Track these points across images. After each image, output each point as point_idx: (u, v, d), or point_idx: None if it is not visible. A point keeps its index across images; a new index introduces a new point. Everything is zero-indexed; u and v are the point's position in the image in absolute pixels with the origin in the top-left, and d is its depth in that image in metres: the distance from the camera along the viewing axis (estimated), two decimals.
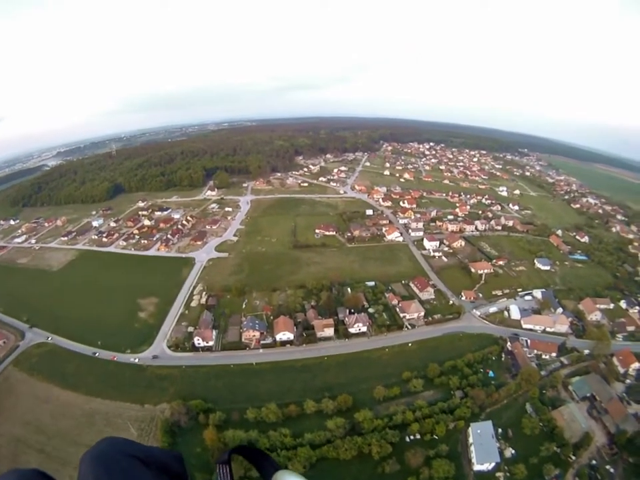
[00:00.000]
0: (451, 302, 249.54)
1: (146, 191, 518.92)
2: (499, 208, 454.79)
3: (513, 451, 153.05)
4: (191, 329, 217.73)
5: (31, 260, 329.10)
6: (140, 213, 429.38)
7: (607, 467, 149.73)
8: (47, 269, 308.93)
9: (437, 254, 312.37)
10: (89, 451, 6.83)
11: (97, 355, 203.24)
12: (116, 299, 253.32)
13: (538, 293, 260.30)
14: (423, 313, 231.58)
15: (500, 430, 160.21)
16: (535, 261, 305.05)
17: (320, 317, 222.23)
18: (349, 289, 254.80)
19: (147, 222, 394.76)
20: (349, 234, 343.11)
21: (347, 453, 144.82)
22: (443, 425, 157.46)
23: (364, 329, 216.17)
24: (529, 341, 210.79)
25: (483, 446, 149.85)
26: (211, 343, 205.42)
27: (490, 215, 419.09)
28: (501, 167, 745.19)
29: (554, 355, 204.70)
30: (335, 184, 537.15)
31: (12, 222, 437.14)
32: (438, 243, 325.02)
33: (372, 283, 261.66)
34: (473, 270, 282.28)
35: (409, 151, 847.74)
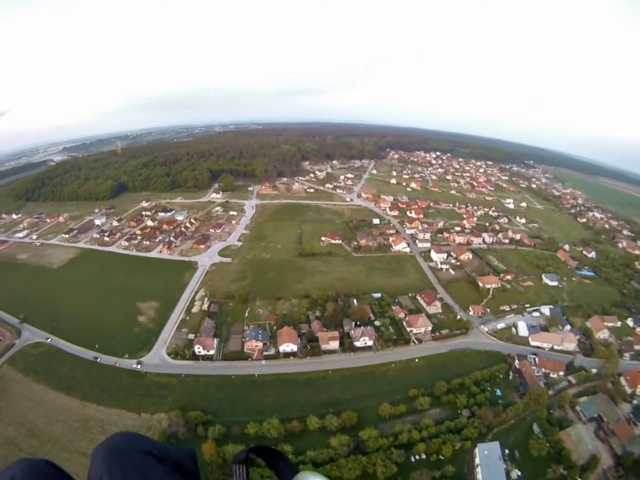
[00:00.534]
0: (459, 317, 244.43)
1: (150, 191, 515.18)
2: (506, 220, 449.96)
3: (520, 473, 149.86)
4: (191, 336, 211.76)
5: (31, 256, 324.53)
6: (143, 213, 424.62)
7: None
8: (47, 266, 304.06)
9: (444, 266, 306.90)
10: (101, 444, 6.96)
11: (99, 360, 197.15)
12: (115, 301, 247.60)
13: (546, 310, 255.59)
14: (430, 328, 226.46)
15: (507, 451, 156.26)
16: (543, 276, 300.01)
17: (325, 329, 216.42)
18: (354, 300, 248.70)
19: (150, 223, 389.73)
20: (356, 243, 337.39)
21: (350, 472, 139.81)
22: (449, 445, 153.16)
23: (370, 342, 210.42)
24: (537, 359, 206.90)
25: (489, 467, 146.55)
26: (212, 352, 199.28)
27: (497, 227, 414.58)
28: (507, 178, 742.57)
29: (562, 373, 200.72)
30: (341, 191, 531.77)
31: (14, 216, 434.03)
32: (445, 255, 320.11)
33: (378, 295, 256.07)
34: (480, 284, 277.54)
35: (416, 159, 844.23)
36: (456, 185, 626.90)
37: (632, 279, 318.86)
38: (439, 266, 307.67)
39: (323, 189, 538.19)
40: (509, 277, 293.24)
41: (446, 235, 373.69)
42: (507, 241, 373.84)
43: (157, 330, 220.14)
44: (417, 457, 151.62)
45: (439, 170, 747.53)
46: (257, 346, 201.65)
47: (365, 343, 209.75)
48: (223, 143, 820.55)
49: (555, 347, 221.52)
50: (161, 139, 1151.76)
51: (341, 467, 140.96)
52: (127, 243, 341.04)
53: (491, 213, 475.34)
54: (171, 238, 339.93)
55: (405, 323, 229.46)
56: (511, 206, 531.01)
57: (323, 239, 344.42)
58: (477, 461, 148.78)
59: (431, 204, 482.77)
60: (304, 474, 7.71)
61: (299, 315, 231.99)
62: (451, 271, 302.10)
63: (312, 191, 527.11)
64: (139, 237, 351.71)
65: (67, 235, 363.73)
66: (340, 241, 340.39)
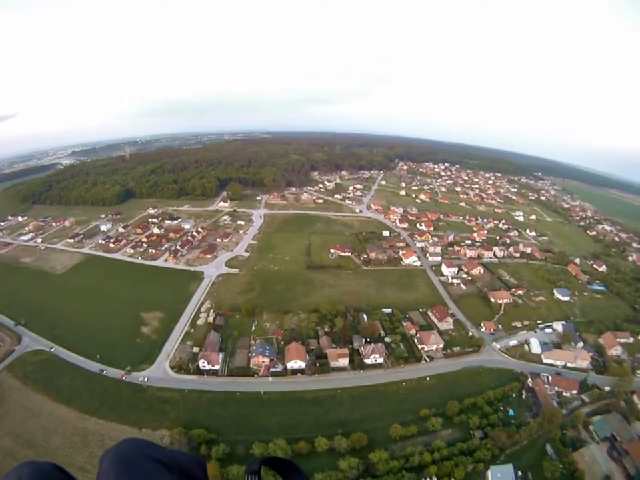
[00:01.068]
0: (470, 333, 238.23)
1: (157, 198, 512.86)
2: (516, 233, 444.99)
3: None
4: (196, 349, 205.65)
5: (35, 260, 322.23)
6: (150, 220, 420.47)
7: None
8: (50, 271, 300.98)
9: (455, 281, 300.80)
10: (110, 450, 7.04)
11: (105, 372, 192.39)
12: (119, 311, 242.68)
13: (558, 326, 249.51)
14: (441, 345, 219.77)
15: (520, 473, 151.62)
16: (554, 291, 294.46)
17: (334, 345, 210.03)
18: (364, 316, 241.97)
19: (156, 230, 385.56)
20: (365, 256, 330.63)
21: None
22: (462, 467, 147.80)
23: (380, 360, 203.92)
24: (550, 378, 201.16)
25: None
26: (217, 367, 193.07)
27: (508, 240, 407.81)
28: (516, 190, 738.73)
29: (575, 392, 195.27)
30: (350, 202, 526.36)
31: (20, 218, 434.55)
32: (457, 269, 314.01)
33: (389, 310, 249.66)
34: (492, 299, 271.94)
35: (425, 171, 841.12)
36: (465, 196, 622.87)
37: None
38: (450, 280, 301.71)
39: (332, 200, 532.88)
40: (520, 292, 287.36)
41: (456, 248, 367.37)
42: (518, 255, 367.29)
43: (161, 342, 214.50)
44: None
45: (448, 181, 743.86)
46: (263, 362, 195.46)
47: (375, 361, 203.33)
48: (232, 151, 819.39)
49: (568, 365, 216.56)
50: (170, 146, 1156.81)
51: None
52: (132, 251, 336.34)
53: (501, 225, 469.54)
54: (177, 247, 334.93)
55: (416, 340, 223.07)
56: (521, 218, 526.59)
57: (332, 251, 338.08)
58: None
59: (441, 216, 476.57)
60: None
61: (308, 330, 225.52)
62: (462, 285, 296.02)
63: (321, 201, 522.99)
64: (144, 245, 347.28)
65: (72, 240, 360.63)
66: (349, 254, 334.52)
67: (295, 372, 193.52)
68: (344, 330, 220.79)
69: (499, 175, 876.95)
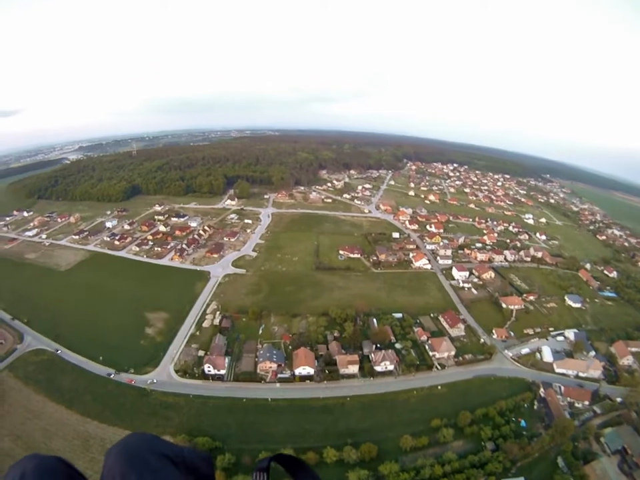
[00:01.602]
0: (482, 340, 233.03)
1: (164, 195, 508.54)
2: (527, 237, 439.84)
3: None
4: (201, 352, 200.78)
5: (39, 256, 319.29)
6: (156, 217, 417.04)
7: None
8: (54, 268, 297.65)
9: (466, 285, 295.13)
10: (116, 445, 7.08)
11: (112, 376, 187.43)
12: (123, 310, 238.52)
13: (570, 334, 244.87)
14: (453, 352, 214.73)
15: None
16: (566, 297, 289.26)
17: (344, 351, 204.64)
18: (374, 320, 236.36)
19: (162, 228, 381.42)
20: (375, 258, 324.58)
21: None
22: None
23: (391, 367, 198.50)
24: (562, 388, 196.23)
25: None
26: (222, 372, 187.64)
27: (518, 244, 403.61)
28: (525, 192, 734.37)
29: (587, 403, 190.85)
30: (359, 202, 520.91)
31: (25, 214, 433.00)
32: (467, 273, 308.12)
33: (399, 315, 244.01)
34: (504, 305, 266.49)
35: (433, 171, 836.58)
36: (474, 198, 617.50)
37: None
38: (461, 284, 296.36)
39: (340, 199, 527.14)
40: (532, 298, 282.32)
41: (467, 251, 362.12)
42: (529, 259, 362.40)
43: (165, 344, 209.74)
44: None
45: (457, 182, 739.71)
46: (270, 367, 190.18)
47: (386, 368, 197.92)
48: (239, 148, 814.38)
49: (580, 374, 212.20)
50: (177, 142, 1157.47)
51: None
52: (137, 248, 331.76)
53: (511, 228, 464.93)
54: (183, 245, 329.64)
55: (427, 347, 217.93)
56: (531, 221, 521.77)
57: (341, 252, 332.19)
58: None
59: (451, 218, 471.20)
60: None
61: (316, 334, 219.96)
62: (473, 290, 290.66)
63: (329, 200, 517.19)
64: (150, 243, 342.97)
65: (77, 237, 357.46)
66: (359, 255, 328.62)
67: (303, 378, 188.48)
68: (354, 335, 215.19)
69: (508, 176, 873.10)
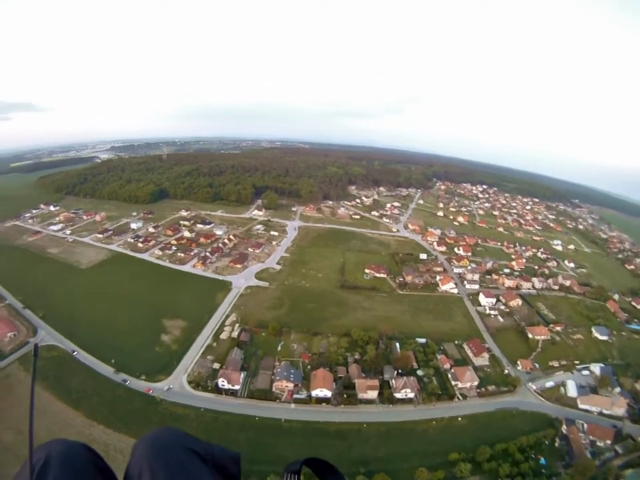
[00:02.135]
0: (506, 371, 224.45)
1: (191, 200, 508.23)
2: (555, 264, 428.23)
3: None
4: (216, 365, 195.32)
5: (61, 252, 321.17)
6: (181, 222, 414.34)
7: None
8: (75, 265, 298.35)
9: (492, 312, 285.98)
10: (145, 437, 7.15)
11: (128, 383, 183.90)
12: (140, 314, 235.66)
13: (596, 368, 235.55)
14: (476, 383, 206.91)
15: None
16: (593, 329, 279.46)
17: (364, 375, 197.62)
18: (397, 345, 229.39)
19: (187, 233, 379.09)
20: (401, 279, 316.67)
21: None
22: None
23: (411, 395, 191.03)
24: (585, 426, 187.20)
25: None
26: (237, 387, 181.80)
27: (547, 271, 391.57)
28: (554, 217, 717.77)
29: (609, 442, 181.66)
30: (387, 220, 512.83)
31: (52, 208, 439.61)
32: (495, 299, 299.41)
33: (423, 340, 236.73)
34: (530, 335, 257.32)
35: (462, 192, 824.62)
36: (503, 221, 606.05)
37: None
38: (488, 311, 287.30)
39: (369, 216, 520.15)
40: (558, 328, 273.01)
41: (495, 276, 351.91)
42: (557, 287, 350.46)
43: (180, 353, 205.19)
44: None
45: (486, 204, 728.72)
46: (287, 387, 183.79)
47: (406, 395, 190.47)
48: (269, 159, 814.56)
49: (604, 412, 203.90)
50: (207, 149, 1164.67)
51: None
52: (160, 252, 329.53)
53: (539, 254, 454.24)
54: (207, 253, 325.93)
55: (450, 375, 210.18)
56: (559, 248, 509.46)
57: (367, 271, 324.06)
58: None
59: (479, 241, 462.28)
60: None
61: (337, 355, 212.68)
62: (499, 318, 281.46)
63: (357, 217, 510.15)
64: (173, 248, 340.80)
65: (101, 235, 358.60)
66: (385, 275, 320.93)
67: (319, 401, 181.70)
68: (376, 359, 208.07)
69: (537, 200, 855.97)
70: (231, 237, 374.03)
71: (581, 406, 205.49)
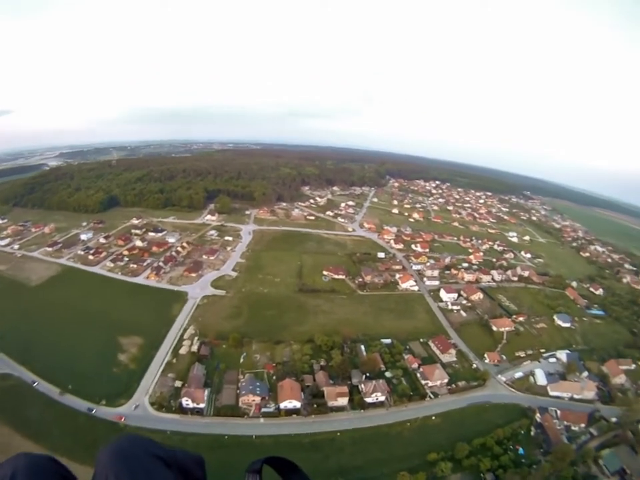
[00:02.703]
0: (474, 366, 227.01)
1: (142, 207, 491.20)
2: (512, 255, 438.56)
3: None
4: (178, 383, 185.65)
5: (9, 268, 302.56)
6: (133, 231, 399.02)
7: None
8: (24, 282, 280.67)
9: (455, 307, 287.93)
10: (109, 445, 6.94)
11: (94, 412, 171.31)
12: (95, 333, 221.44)
13: (562, 355, 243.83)
14: (446, 380, 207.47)
15: None
16: (555, 317, 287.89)
17: (331, 382, 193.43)
18: (362, 347, 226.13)
19: (139, 243, 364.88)
20: (360, 279, 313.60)
21: None
22: None
23: (382, 398, 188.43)
24: (558, 412, 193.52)
25: None
26: (202, 405, 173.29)
27: (505, 263, 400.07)
28: (507, 210, 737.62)
29: (583, 425, 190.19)
30: (343, 220, 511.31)
31: None
32: (456, 294, 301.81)
33: (388, 341, 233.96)
34: (494, 328, 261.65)
35: (416, 188, 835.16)
36: (458, 216, 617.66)
37: None
38: (450, 307, 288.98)
39: (323, 217, 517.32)
40: (521, 319, 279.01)
41: (454, 271, 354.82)
42: (516, 279, 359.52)
43: (140, 373, 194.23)
44: None
45: (440, 200, 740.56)
46: (254, 400, 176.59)
47: (377, 399, 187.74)
48: (221, 161, 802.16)
49: (575, 396, 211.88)
50: (158, 153, 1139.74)
51: None
52: (112, 264, 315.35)
53: (496, 247, 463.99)
54: (160, 262, 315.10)
55: (419, 375, 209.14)
56: (515, 239, 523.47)
57: (325, 273, 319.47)
58: None
59: (436, 237, 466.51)
60: None
61: (302, 363, 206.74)
62: (462, 312, 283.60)
63: (312, 218, 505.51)
64: (125, 259, 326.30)
65: (51, 249, 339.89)
66: (343, 276, 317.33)
67: (289, 412, 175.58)
68: (342, 365, 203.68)
69: (490, 193, 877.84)
70: (184, 244, 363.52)
71: (551, 393, 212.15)
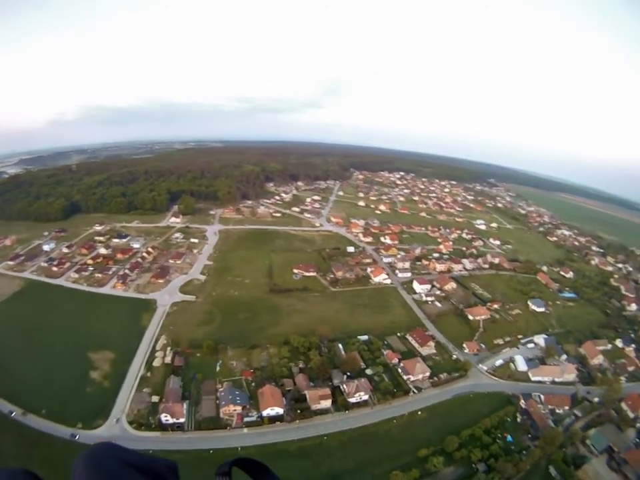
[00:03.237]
0: (454, 356, 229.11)
1: (104, 213, 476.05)
2: (481, 243, 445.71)
3: None
4: (155, 398, 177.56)
5: None
6: (96, 238, 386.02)
7: None
8: None
9: (429, 299, 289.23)
10: (83, 454, 6.98)
11: (77, 438, 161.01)
12: (64, 351, 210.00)
13: (540, 340, 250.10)
14: (428, 373, 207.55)
15: None
16: (529, 302, 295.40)
17: (312, 384, 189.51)
18: (340, 346, 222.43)
19: (103, 250, 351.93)
20: (332, 275, 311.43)
21: None
22: None
23: (365, 397, 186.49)
24: (542, 397, 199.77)
25: None
26: (182, 420, 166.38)
27: (475, 251, 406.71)
28: (472, 198, 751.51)
29: (567, 408, 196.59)
30: (309, 215, 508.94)
31: None
32: (429, 285, 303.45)
33: (365, 337, 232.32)
34: (470, 317, 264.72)
35: (381, 180, 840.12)
36: (424, 206, 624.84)
37: (612, 297, 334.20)
38: (424, 298, 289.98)
39: (290, 213, 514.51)
40: (496, 306, 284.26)
41: (425, 262, 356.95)
42: (487, 266, 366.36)
43: (114, 390, 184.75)
44: None
45: (405, 191, 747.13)
46: (235, 410, 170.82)
47: (361, 398, 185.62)
48: (183, 161, 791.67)
49: (556, 380, 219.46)
50: (119, 155, 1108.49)
51: None
52: (76, 275, 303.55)
53: (464, 235, 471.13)
54: (126, 270, 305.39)
55: (400, 370, 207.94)
56: (482, 227, 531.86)
57: (295, 271, 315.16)
58: None
59: (404, 228, 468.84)
60: None
61: (280, 367, 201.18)
62: (437, 303, 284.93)
63: (279, 215, 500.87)
64: (90, 268, 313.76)
65: (13, 262, 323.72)
66: (315, 273, 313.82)
67: (272, 420, 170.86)
68: (322, 366, 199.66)
69: (454, 182, 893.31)
70: (150, 249, 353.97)
71: (533, 378, 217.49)
